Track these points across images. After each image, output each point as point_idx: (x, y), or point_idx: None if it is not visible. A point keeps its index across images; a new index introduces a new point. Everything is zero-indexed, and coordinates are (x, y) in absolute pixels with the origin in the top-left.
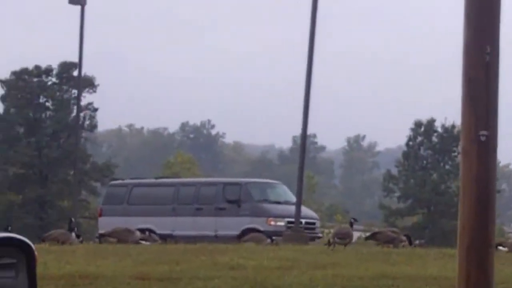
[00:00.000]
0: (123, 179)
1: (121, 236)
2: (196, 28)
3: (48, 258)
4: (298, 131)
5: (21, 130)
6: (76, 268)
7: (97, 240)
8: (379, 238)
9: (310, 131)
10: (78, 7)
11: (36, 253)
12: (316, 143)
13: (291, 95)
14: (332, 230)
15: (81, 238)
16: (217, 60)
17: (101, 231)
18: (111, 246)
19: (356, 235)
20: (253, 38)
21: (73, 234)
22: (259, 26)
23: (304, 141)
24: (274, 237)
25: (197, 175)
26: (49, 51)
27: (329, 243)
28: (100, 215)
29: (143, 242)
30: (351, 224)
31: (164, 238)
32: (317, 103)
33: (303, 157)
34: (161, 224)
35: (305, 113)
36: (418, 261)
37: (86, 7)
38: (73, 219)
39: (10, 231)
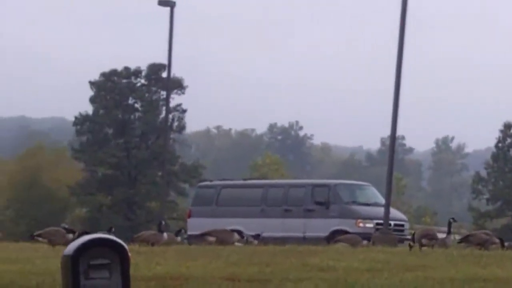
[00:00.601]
0: (211, 181)
1: (221, 236)
2: (284, 30)
3: (139, 259)
4: (386, 133)
5: (110, 131)
6: (167, 269)
7: (185, 241)
8: (472, 241)
9: (398, 132)
10: (167, 9)
11: (129, 254)
12: (404, 144)
13: (379, 96)
14: (415, 232)
15: (180, 238)
16: (305, 62)
17: (190, 232)
18: (201, 248)
19: (440, 236)
20: (342, 40)
21: (165, 235)
22: (348, 28)
23: (393, 143)
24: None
25: (284, 177)
26: (138, 53)
27: (410, 246)
28: (189, 216)
29: (239, 244)
30: (449, 224)
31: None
32: (406, 104)
33: (392, 159)
34: (250, 226)
35: (394, 115)
36: (510, 263)
37: (175, 9)
38: (163, 221)
39: (113, 232)
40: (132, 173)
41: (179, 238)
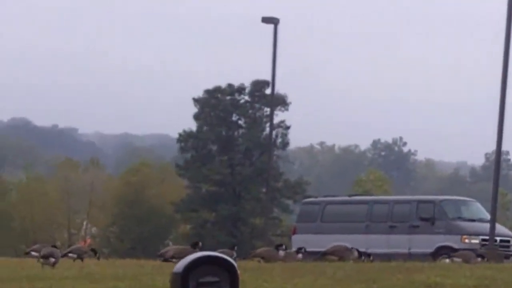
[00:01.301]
0: (316, 197)
1: (342, 254)
2: (388, 43)
3: (246, 276)
4: (490, 148)
5: (214, 148)
6: (273, 286)
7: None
8: None
9: (503, 147)
10: (271, 26)
11: (238, 272)
12: (509, 160)
13: (484, 111)
14: None
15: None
16: (408, 76)
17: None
18: (307, 265)
19: None
20: (445, 54)
21: (281, 252)
22: (451, 42)
23: (498, 158)
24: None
25: (388, 193)
26: (241, 70)
27: None
28: (294, 233)
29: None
30: None
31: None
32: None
33: (498, 174)
34: (355, 242)
35: (500, 130)
36: None
37: (279, 26)
38: (283, 246)
39: (200, 248)
40: (236, 190)
41: (300, 255)
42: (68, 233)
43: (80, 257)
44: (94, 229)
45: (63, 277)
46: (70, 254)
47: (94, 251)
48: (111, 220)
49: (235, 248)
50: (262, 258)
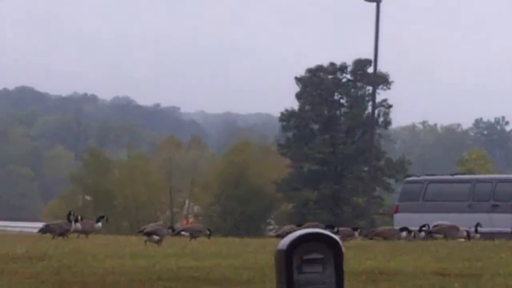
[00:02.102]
0: (418, 176)
1: (448, 233)
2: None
3: (349, 254)
4: None
5: (316, 126)
6: (376, 264)
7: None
8: None
9: None
10: (373, 4)
11: (343, 249)
12: None
13: None
14: None
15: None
16: (509, 57)
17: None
18: (409, 243)
19: None
20: None
21: (403, 234)
22: None
23: None
24: None
25: (491, 172)
26: (343, 49)
27: None
28: (396, 212)
29: (462, 239)
30: None
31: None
32: None
33: None
34: (457, 221)
35: None
36: None
37: (381, 4)
38: (407, 228)
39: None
40: (338, 169)
41: (422, 234)
42: (170, 212)
43: (194, 236)
44: (196, 208)
45: (166, 255)
46: (183, 233)
47: (209, 230)
48: (214, 199)
49: (335, 228)
50: (383, 237)
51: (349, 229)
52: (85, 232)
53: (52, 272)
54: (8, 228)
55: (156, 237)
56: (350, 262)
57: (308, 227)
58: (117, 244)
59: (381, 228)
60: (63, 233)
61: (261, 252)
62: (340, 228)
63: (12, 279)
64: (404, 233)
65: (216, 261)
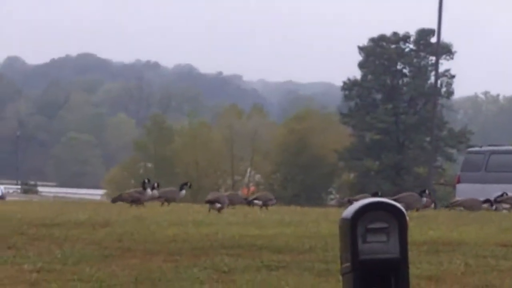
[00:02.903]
0: (481, 146)
1: (470, 204)
2: None
3: (411, 224)
4: None
5: (378, 96)
6: (439, 234)
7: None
8: None
9: None
10: None
11: (407, 218)
12: None
13: None
14: None
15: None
16: None
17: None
18: (472, 214)
19: None
20: None
21: (484, 205)
22: None
23: None
24: None
25: None
26: (407, 18)
27: None
28: (458, 182)
29: None
30: None
31: None
32: None
33: None
34: None
35: None
36: None
37: None
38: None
39: (380, 196)
40: (400, 138)
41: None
42: (232, 180)
43: (266, 204)
44: (257, 176)
45: (228, 223)
46: (255, 201)
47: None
48: (275, 168)
49: (379, 194)
50: (464, 207)
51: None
52: (168, 200)
53: (114, 239)
54: (70, 195)
55: (218, 205)
56: (412, 232)
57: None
58: (179, 212)
59: (462, 199)
60: (135, 201)
61: (323, 221)
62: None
63: (75, 245)
64: (485, 205)
65: (278, 229)
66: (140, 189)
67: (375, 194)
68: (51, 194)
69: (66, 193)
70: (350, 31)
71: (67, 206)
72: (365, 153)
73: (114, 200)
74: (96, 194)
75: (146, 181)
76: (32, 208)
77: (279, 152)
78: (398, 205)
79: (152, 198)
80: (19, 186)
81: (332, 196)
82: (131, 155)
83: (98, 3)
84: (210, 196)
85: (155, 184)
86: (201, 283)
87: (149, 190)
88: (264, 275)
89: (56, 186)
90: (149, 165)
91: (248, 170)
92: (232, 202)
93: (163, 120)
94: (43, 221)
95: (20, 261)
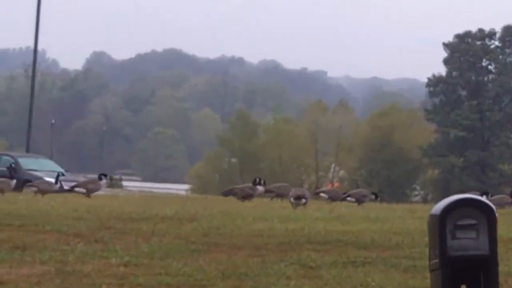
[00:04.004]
0: None
1: None
2: None
3: (500, 219)
4: None
5: (463, 93)
6: None
7: None
8: None
9: None
10: None
11: (497, 215)
12: None
13: None
14: None
15: None
16: None
17: None
18: None
19: None
20: None
21: None
22: None
23: None
24: None
25: None
26: (492, 15)
27: None
28: None
29: None
30: None
31: None
32: None
33: None
34: None
35: None
36: None
37: None
38: None
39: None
40: (484, 135)
41: None
42: (316, 176)
43: (360, 200)
44: (342, 172)
45: (314, 218)
46: (348, 198)
47: (375, 194)
48: (359, 164)
49: (489, 195)
50: None
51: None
52: (279, 195)
53: (201, 234)
54: (155, 190)
55: (303, 200)
56: (499, 228)
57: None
58: (265, 207)
59: None
60: (246, 197)
61: (409, 217)
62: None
63: (162, 239)
64: None
65: (364, 225)
66: (251, 185)
67: (484, 193)
68: (136, 189)
69: (151, 187)
70: (436, 27)
71: (153, 201)
72: (450, 149)
73: (225, 194)
74: (180, 189)
75: (257, 179)
76: (118, 203)
77: (363, 147)
78: (487, 201)
79: (259, 194)
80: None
81: (416, 193)
82: (215, 150)
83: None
84: (295, 192)
85: (262, 181)
86: (287, 279)
87: (259, 187)
88: (350, 271)
89: (141, 180)
90: (233, 160)
91: (333, 165)
92: (334, 198)
93: (248, 115)
94: (130, 216)
95: (108, 255)
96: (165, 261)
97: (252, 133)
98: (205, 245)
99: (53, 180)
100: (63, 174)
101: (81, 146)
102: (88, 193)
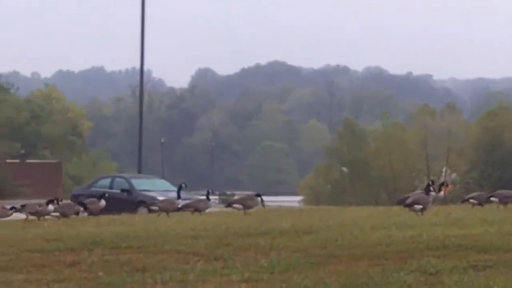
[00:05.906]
0: None
1: None
2: None
3: None
4: None
5: None
6: None
7: None
8: None
9: None
10: None
11: None
12: None
13: None
14: None
15: None
16: None
17: None
18: None
19: None
20: None
21: None
22: None
23: None
24: None
25: None
26: None
27: None
28: None
29: None
30: None
31: None
32: None
33: None
34: None
35: None
36: None
37: None
38: None
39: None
40: None
41: None
42: (428, 180)
43: (481, 203)
44: (453, 175)
45: (432, 224)
46: (471, 200)
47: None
48: (470, 166)
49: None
50: None
51: None
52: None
53: (319, 246)
54: (267, 203)
55: (418, 207)
56: None
57: None
58: (379, 215)
59: None
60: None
61: None
62: None
63: (281, 253)
64: None
65: (482, 228)
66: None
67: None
68: None
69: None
70: None
71: (267, 214)
72: None
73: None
74: (293, 200)
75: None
76: (233, 219)
77: (473, 150)
78: None
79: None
80: (217, 197)
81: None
82: (324, 161)
83: (285, 11)
84: (409, 199)
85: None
86: (408, 287)
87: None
88: (471, 275)
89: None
90: (344, 169)
91: (444, 169)
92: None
93: (355, 123)
94: (247, 231)
95: (228, 272)
96: (285, 275)
97: (360, 141)
98: (324, 257)
99: (175, 195)
100: (186, 186)
101: (191, 163)
102: (247, 209)
